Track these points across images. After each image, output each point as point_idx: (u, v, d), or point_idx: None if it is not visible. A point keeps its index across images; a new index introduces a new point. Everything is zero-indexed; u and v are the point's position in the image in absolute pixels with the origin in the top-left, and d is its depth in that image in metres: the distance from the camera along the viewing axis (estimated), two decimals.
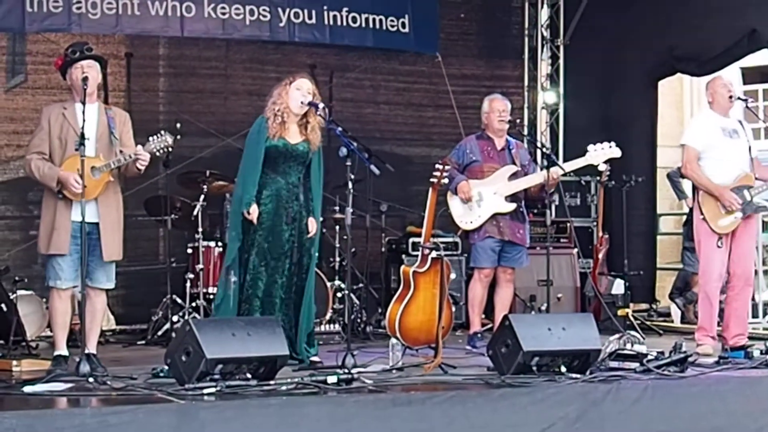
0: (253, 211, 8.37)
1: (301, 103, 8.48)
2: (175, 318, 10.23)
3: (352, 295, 10.19)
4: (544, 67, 13.96)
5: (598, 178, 11.71)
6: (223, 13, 11.80)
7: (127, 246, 8.51)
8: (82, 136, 7.60)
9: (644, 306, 13.04)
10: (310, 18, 12.18)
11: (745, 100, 9.53)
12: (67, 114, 8.05)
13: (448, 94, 13.01)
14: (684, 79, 15.44)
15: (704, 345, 9.11)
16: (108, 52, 11.07)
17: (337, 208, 11.06)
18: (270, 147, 8.46)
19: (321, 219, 8.83)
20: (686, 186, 12.20)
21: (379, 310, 11.24)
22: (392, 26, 12.64)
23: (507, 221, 9.91)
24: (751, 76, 13.70)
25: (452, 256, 11.14)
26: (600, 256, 11.91)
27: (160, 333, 10.38)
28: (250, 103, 12.01)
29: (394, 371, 8.03)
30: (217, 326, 7.27)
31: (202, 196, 10.60)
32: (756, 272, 10.84)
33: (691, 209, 10.01)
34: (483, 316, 10.26)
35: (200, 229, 10.54)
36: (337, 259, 11.28)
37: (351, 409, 6.62)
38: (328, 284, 10.89)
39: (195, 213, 10.57)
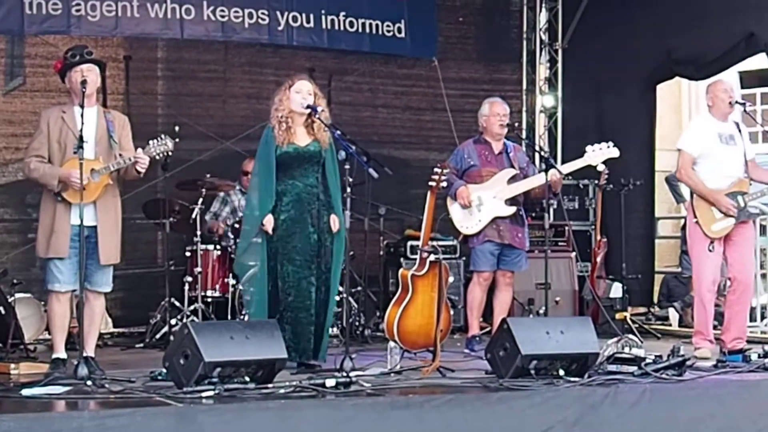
0: (267, 222, 8.39)
1: (301, 105, 8.49)
2: (173, 321, 10.22)
3: (350, 298, 10.18)
4: (542, 71, 13.98)
5: (597, 181, 11.72)
6: (223, 16, 11.83)
7: (126, 249, 8.52)
8: (81, 139, 7.61)
9: (642, 309, 13.05)
10: (308, 22, 12.21)
11: (743, 104, 9.53)
12: (66, 117, 8.05)
13: (447, 97, 13.02)
14: (682, 82, 15.42)
15: (702, 349, 9.11)
16: (107, 55, 11.09)
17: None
18: (281, 154, 8.46)
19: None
20: (684, 189, 12.18)
21: (378, 314, 11.24)
22: (388, 31, 12.67)
23: (507, 225, 9.91)
24: (748, 79, 13.68)
25: (450, 259, 11.14)
26: (598, 259, 11.92)
27: (158, 336, 10.38)
28: (249, 107, 12.06)
29: (392, 374, 8.03)
30: (215, 329, 7.29)
31: (201, 200, 10.61)
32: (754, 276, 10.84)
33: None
34: (481, 319, 10.26)
35: (198, 233, 10.54)
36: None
37: (349, 413, 6.62)
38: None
39: (193, 216, 10.58)
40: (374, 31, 12.59)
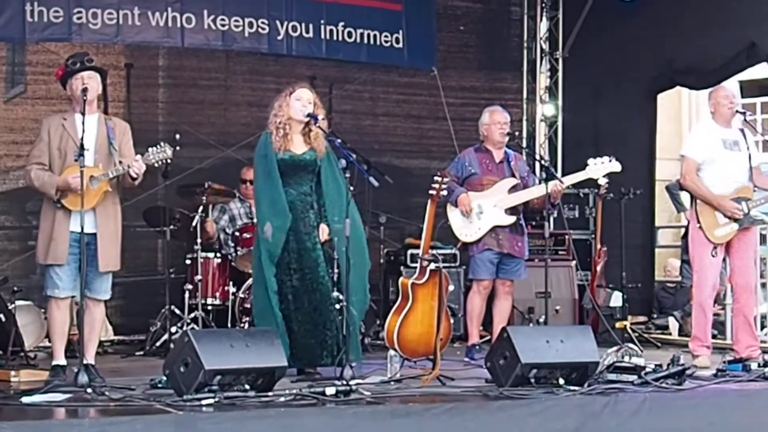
0: (268, 230, 8.39)
1: (302, 113, 8.50)
2: (173, 329, 10.21)
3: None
4: (542, 80, 13.99)
5: (597, 190, 11.72)
6: (223, 25, 11.85)
7: (126, 257, 8.52)
8: (82, 147, 7.61)
9: (642, 318, 13.05)
10: (307, 32, 12.24)
11: (744, 113, 9.53)
12: (67, 125, 8.06)
13: (448, 106, 13.03)
14: (683, 92, 15.46)
15: (701, 356, 9.11)
16: (108, 63, 11.10)
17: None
18: (277, 161, 8.47)
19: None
20: (685, 198, 12.20)
21: (378, 322, 11.24)
22: (386, 42, 12.69)
23: (506, 234, 9.92)
24: (749, 89, 13.72)
25: (450, 268, 11.14)
26: (598, 268, 11.92)
27: (158, 344, 10.37)
28: (250, 114, 12.06)
29: (392, 383, 8.02)
30: (215, 337, 7.28)
31: (201, 207, 10.62)
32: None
33: (689, 222, 10.02)
34: (481, 328, 10.26)
35: (199, 240, 10.54)
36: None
37: (349, 421, 6.62)
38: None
39: (194, 224, 10.57)
40: (372, 42, 12.61)
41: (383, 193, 8.98)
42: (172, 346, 9.14)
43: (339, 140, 8.40)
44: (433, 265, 8.99)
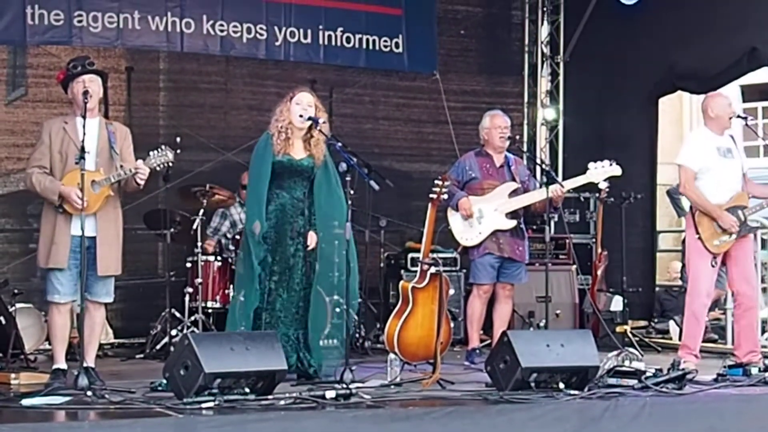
0: (256, 228, 8.40)
1: (301, 117, 8.50)
2: (173, 332, 10.21)
3: (350, 310, 10.17)
4: (544, 84, 13.99)
5: (598, 195, 11.72)
6: (222, 31, 11.87)
7: (127, 260, 8.51)
8: (83, 150, 7.61)
9: (643, 323, 13.04)
10: (305, 37, 12.26)
11: (745, 118, 9.51)
12: (68, 128, 8.06)
13: (449, 110, 13.04)
14: (684, 96, 15.45)
15: (687, 363, 9.07)
16: (108, 66, 11.10)
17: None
18: (275, 163, 8.49)
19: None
20: (686, 203, 12.18)
21: (378, 326, 11.25)
22: (385, 46, 12.71)
23: (507, 238, 9.91)
24: (750, 93, 13.73)
25: (451, 271, 11.14)
26: (599, 272, 11.92)
27: (158, 347, 10.38)
28: (250, 118, 12.07)
29: (392, 386, 8.02)
30: (215, 340, 7.29)
31: (202, 211, 10.62)
32: None
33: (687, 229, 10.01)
34: (481, 332, 10.26)
35: (199, 243, 10.54)
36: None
37: (349, 424, 6.61)
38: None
39: (194, 227, 10.58)
40: (371, 47, 12.63)
41: (384, 196, 8.98)
42: (172, 349, 9.12)
43: (340, 144, 8.41)
44: (433, 269, 8.98)
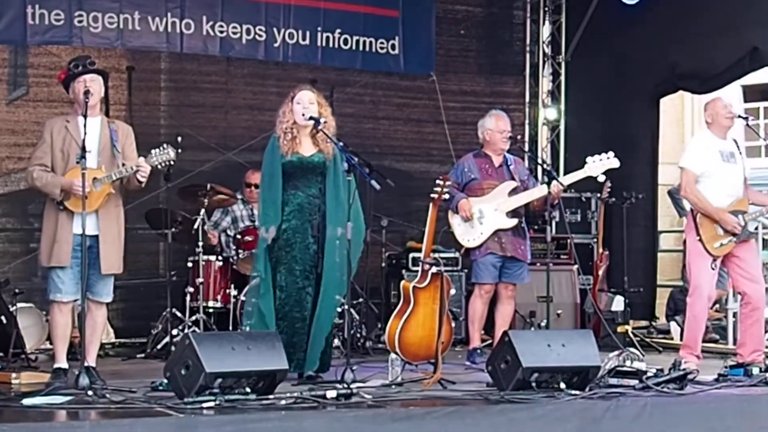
0: (270, 233, 8.40)
1: (303, 116, 8.50)
2: (174, 331, 10.21)
3: (351, 309, 10.18)
4: (545, 84, 13.98)
5: (599, 194, 11.72)
6: (221, 32, 11.86)
7: (128, 259, 8.52)
8: (83, 149, 7.62)
9: (644, 323, 13.04)
10: (304, 39, 12.25)
11: (746, 119, 9.50)
12: (70, 127, 8.07)
13: (449, 110, 13.04)
14: (685, 96, 15.43)
15: (689, 363, 9.07)
16: (109, 66, 11.09)
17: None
18: (285, 163, 8.50)
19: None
20: (687, 203, 12.20)
21: (379, 325, 11.24)
22: (381, 48, 12.70)
23: (509, 237, 9.91)
24: (751, 94, 13.72)
25: (452, 271, 11.14)
26: (600, 272, 11.91)
27: (159, 346, 10.38)
28: (251, 118, 12.07)
29: (393, 386, 8.03)
30: (216, 340, 7.29)
31: (203, 210, 10.62)
32: None
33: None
34: (483, 331, 10.26)
35: (200, 243, 10.54)
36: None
37: (350, 424, 6.62)
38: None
39: (195, 227, 10.58)
40: (367, 49, 12.61)
41: (385, 196, 8.98)
42: (173, 348, 9.13)
43: (341, 143, 8.41)
44: (434, 269, 8.97)
